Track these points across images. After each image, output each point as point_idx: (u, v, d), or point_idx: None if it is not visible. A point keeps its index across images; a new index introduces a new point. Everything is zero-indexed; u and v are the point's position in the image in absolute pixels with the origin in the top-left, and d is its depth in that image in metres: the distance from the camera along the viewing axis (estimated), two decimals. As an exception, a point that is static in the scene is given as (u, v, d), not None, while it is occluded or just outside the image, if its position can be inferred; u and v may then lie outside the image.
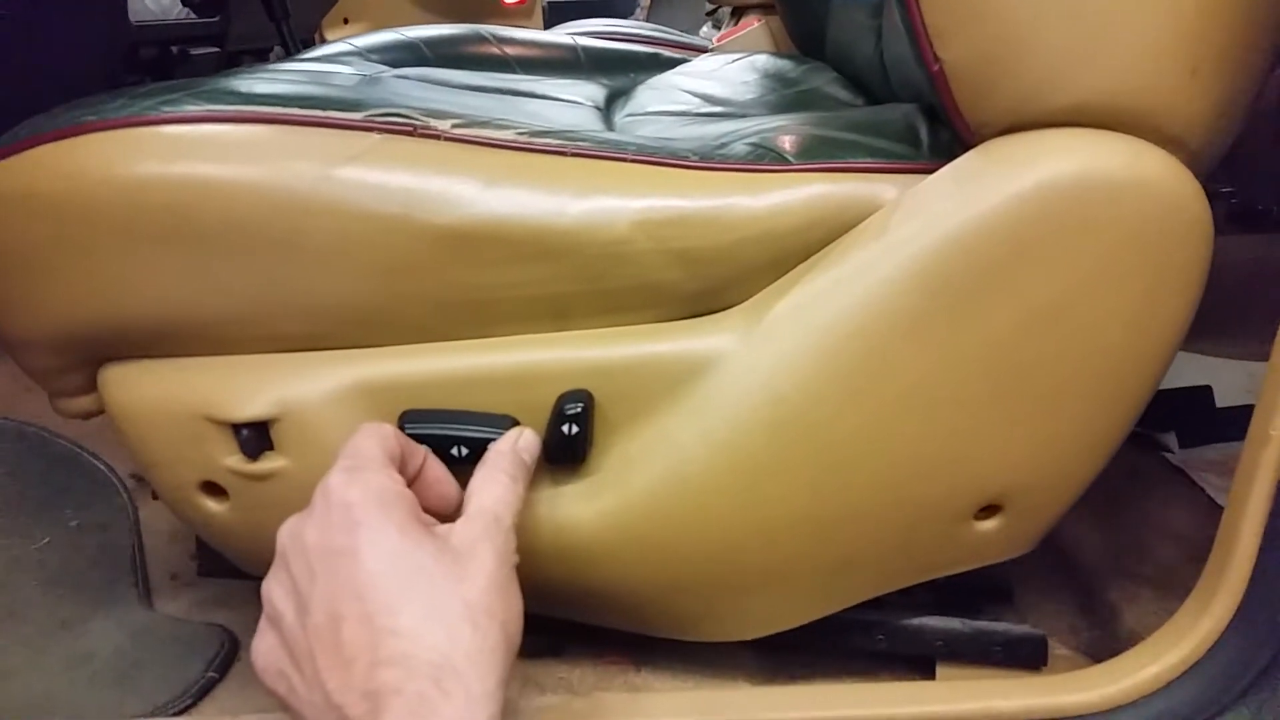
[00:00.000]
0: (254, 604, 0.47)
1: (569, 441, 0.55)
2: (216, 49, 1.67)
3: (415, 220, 0.52)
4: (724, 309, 0.56)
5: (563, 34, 1.04)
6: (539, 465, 0.56)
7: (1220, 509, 0.56)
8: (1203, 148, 0.51)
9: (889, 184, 0.54)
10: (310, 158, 0.52)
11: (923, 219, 0.51)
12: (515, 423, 0.55)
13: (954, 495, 0.56)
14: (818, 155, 0.56)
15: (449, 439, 0.54)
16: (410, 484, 0.49)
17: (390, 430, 0.49)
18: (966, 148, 0.54)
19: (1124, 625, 0.70)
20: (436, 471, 0.52)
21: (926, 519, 0.57)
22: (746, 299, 0.56)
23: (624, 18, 2.29)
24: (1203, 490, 0.86)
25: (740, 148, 0.58)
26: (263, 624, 0.45)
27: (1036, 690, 0.59)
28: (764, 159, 0.56)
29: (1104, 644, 0.70)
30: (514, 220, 0.53)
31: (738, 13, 1.44)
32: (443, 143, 0.54)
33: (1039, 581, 0.77)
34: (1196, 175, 0.50)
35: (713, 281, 0.55)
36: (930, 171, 0.54)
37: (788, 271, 0.55)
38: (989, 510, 0.57)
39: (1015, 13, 0.49)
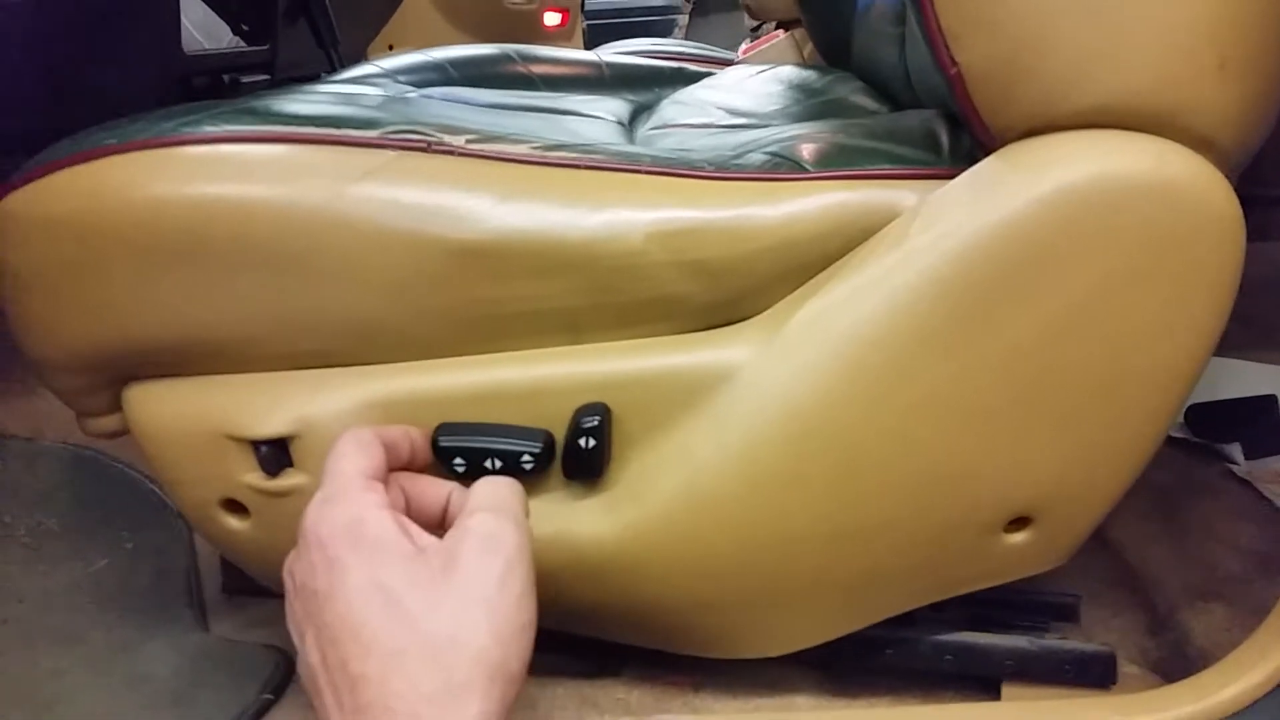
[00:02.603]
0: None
1: (586, 455, 0.54)
2: (267, 76, 1.70)
3: (430, 235, 0.52)
4: (741, 320, 0.56)
5: (593, 53, 1.04)
6: (557, 480, 0.56)
7: (1290, 522, 0.54)
8: (1233, 146, 0.49)
9: (908, 191, 0.53)
10: (324, 175, 0.52)
11: (942, 226, 0.50)
12: (550, 436, 0.55)
13: (980, 507, 0.55)
14: (836, 163, 0.55)
15: (483, 452, 0.54)
16: (407, 467, 0.51)
17: (368, 436, 0.49)
18: (987, 153, 0.52)
19: (1193, 642, 0.68)
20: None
21: (953, 532, 0.55)
22: (764, 310, 0.55)
23: (663, 37, 2.30)
24: (1270, 502, 0.83)
25: (757, 157, 0.57)
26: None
27: (1112, 710, 0.58)
28: (780, 168, 0.55)
29: (1173, 662, 0.68)
30: (528, 234, 0.53)
31: (782, 28, 1.44)
32: (457, 158, 0.54)
33: (1105, 598, 0.75)
34: (1227, 175, 0.49)
35: (729, 293, 0.55)
36: (950, 177, 0.53)
37: (805, 281, 0.54)
38: (1019, 523, 0.56)
39: (1032, 12, 0.48)
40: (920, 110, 0.63)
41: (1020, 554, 0.57)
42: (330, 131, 0.54)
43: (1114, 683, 0.64)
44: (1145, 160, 0.48)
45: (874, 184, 0.54)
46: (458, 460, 0.54)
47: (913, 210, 0.52)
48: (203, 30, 1.64)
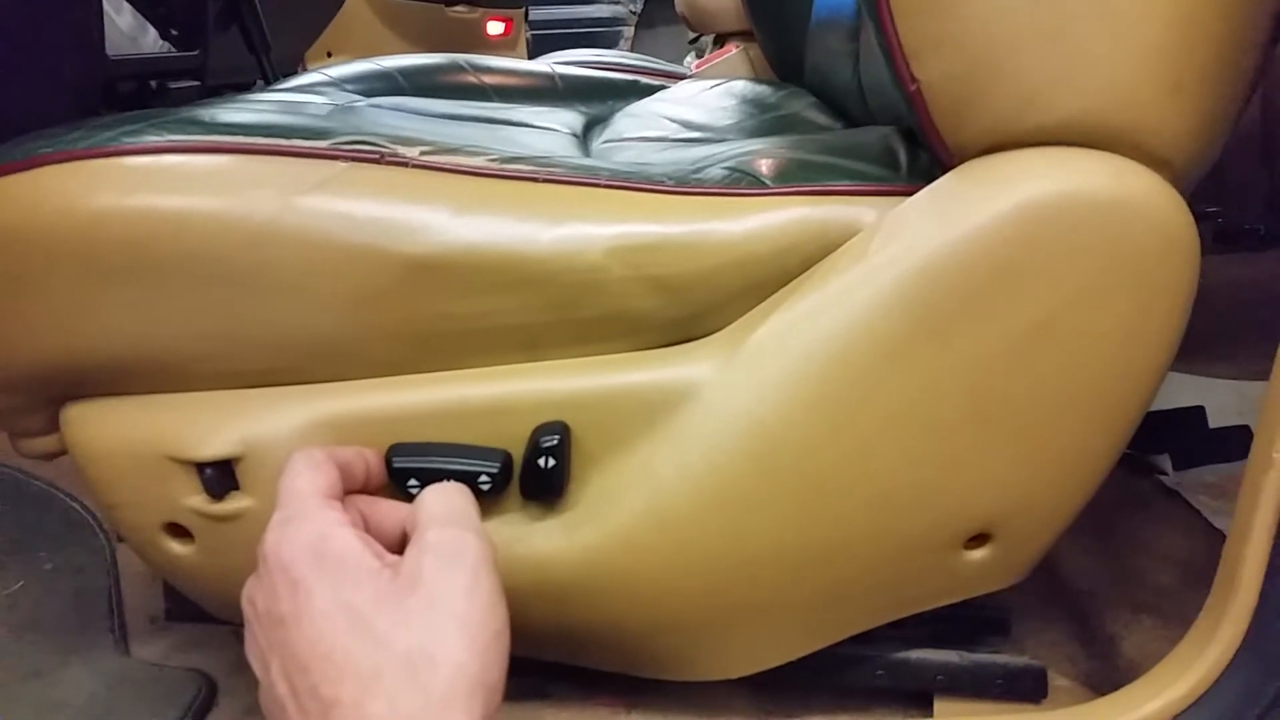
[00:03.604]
0: (233, 648, 0.46)
1: (545, 475, 0.53)
2: (196, 83, 1.65)
3: (383, 249, 0.51)
4: (702, 336, 0.55)
5: (542, 63, 1.03)
6: (515, 500, 0.55)
7: (1217, 532, 0.55)
8: (1187, 165, 0.50)
9: (868, 207, 0.53)
10: (273, 187, 0.50)
11: (902, 242, 0.50)
12: (508, 456, 0.53)
13: (942, 524, 0.55)
14: (795, 179, 0.55)
15: (438, 473, 0.52)
16: (363, 490, 0.49)
17: (320, 456, 0.47)
18: (945, 169, 0.53)
19: (1123, 654, 0.69)
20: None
21: (914, 549, 0.55)
22: (725, 326, 0.55)
23: (608, 49, 2.30)
24: (1199, 513, 0.84)
25: (716, 172, 0.57)
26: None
27: (1042, 725, 0.58)
28: (740, 183, 0.55)
29: (1104, 673, 0.69)
30: (485, 249, 0.52)
31: (720, 41, 1.45)
32: (411, 170, 0.53)
33: (1035, 610, 0.76)
34: (1181, 192, 0.49)
35: (690, 309, 0.54)
36: (910, 194, 0.53)
37: (766, 297, 0.54)
38: (978, 539, 0.56)
39: (993, 31, 0.48)
40: (878, 127, 0.63)
41: (979, 570, 0.57)
42: (279, 142, 0.52)
43: (1045, 696, 0.64)
44: (1104, 177, 0.48)
45: (834, 200, 0.54)
46: (412, 482, 0.52)
47: (872, 227, 0.52)
48: (129, 33, 1.59)
